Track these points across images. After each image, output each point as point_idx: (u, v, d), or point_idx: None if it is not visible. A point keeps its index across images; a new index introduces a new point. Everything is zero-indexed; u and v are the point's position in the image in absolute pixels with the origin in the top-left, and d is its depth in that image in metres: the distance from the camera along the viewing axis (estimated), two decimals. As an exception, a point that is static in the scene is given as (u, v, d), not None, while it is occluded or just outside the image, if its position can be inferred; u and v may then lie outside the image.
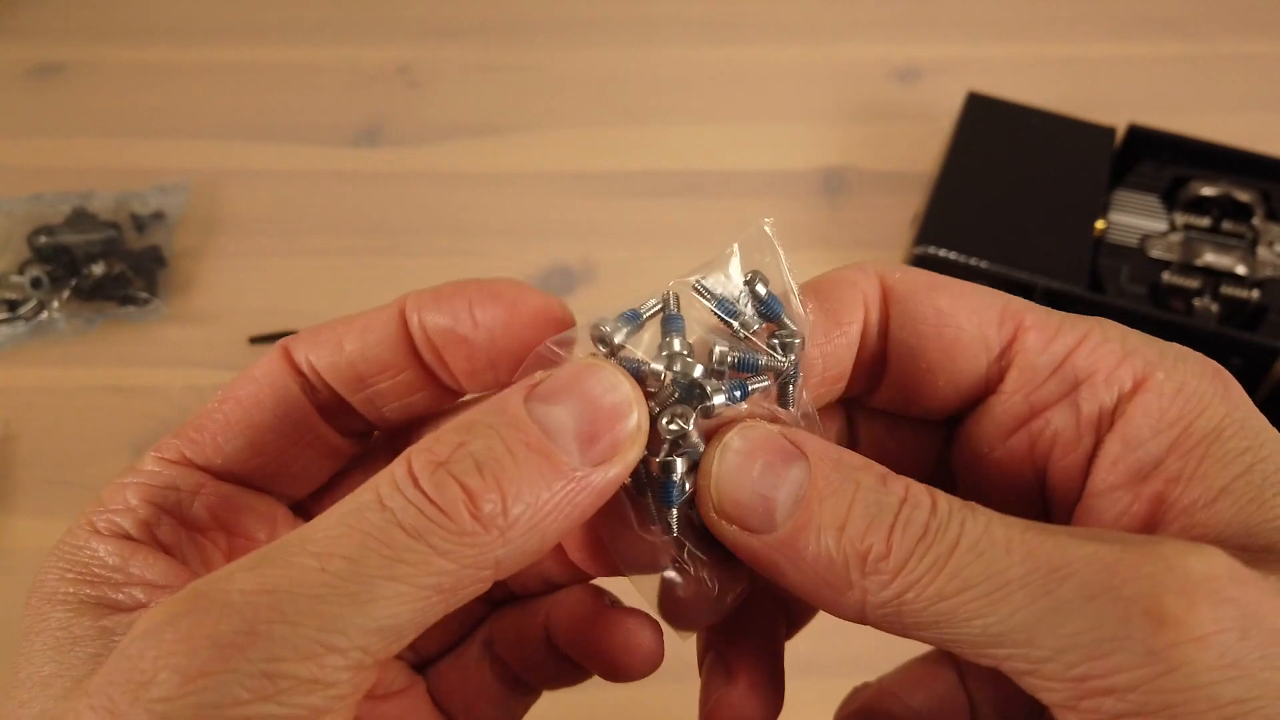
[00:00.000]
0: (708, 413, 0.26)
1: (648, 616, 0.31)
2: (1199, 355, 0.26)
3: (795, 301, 0.28)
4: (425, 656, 0.34)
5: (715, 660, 0.30)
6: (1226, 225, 0.69)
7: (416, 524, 0.22)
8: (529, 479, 0.23)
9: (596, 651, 0.31)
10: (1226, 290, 0.65)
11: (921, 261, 0.66)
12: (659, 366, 0.26)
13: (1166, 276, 0.66)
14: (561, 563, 0.32)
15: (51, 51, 0.89)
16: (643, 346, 0.27)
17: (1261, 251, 0.67)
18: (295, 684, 0.21)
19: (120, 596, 0.25)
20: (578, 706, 0.46)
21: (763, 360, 0.27)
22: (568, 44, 0.90)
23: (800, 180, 0.80)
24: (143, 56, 0.89)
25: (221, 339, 0.71)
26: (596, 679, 0.33)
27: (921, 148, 0.80)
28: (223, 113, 0.85)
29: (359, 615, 0.22)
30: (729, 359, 0.27)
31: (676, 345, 0.26)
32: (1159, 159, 0.72)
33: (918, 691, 0.33)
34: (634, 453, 0.25)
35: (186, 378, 0.69)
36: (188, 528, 0.28)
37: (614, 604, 0.32)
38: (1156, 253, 0.68)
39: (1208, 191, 0.70)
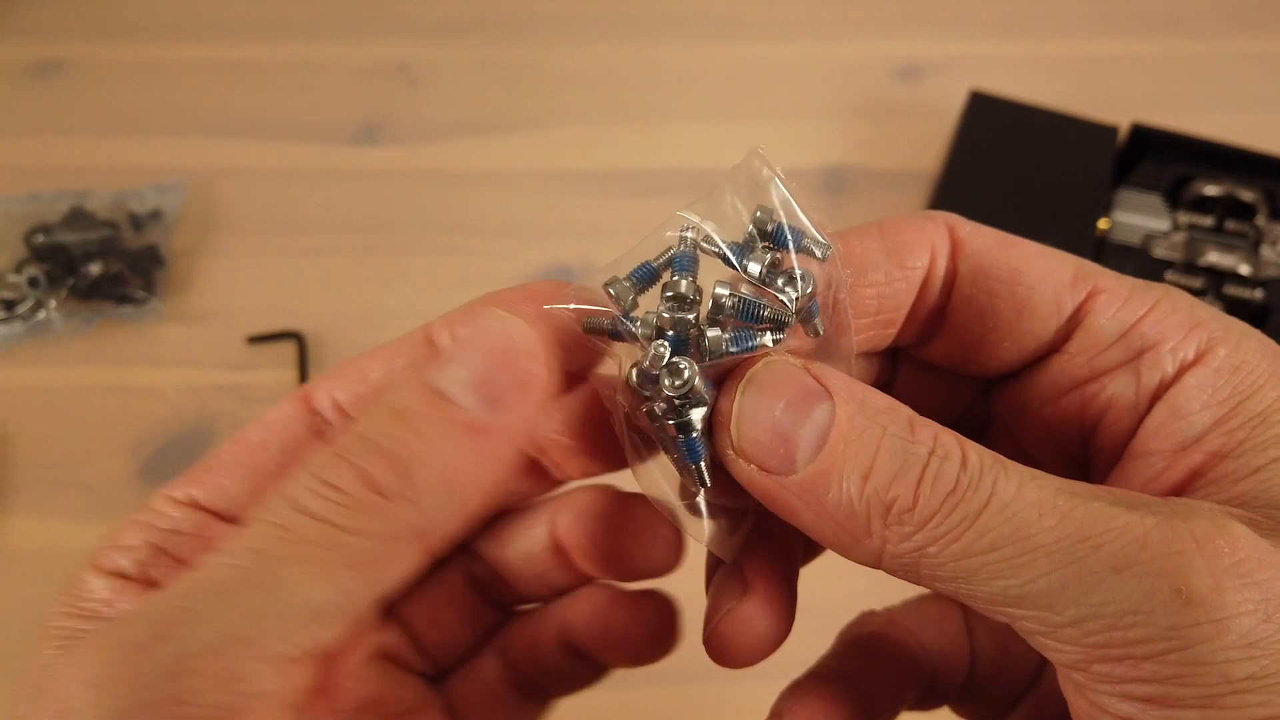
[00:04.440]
0: (713, 356, 0.25)
1: (663, 596, 0.30)
2: (1261, 335, 0.26)
3: (810, 226, 0.26)
4: (442, 668, 0.33)
5: (729, 573, 0.29)
6: (1230, 225, 0.68)
7: (318, 507, 0.22)
8: (429, 440, 0.23)
9: (617, 638, 0.30)
10: (1230, 290, 0.65)
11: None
12: (650, 324, 0.25)
13: (1170, 276, 0.66)
14: (568, 570, 0.32)
15: (48, 50, 0.88)
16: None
17: (1265, 251, 0.67)
18: (206, 682, 0.20)
19: None
20: (583, 710, 0.46)
21: (767, 310, 0.25)
22: (567, 42, 0.89)
23: (801, 179, 0.79)
24: (140, 54, 0.88)
25: (219, 338, 0.70)
26: (600, 686, 0.33)
27: (923, 146, 0.80)
28: (220, 111, 0.84)
29: (268, 602, 0.21)
30: (726, 303, 0.25)
31: (680, 288, 0.25)
32: (1162, 158, 0.72)
33: (927, 629, 0.33)
34: (539, 387, 0.24)
35: (184, 377, 0.69)
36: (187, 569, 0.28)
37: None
38: (1160, 252, 0.67)
39: (1211, 191, 0.69)
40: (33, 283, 0.70)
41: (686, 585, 0.32)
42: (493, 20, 0.91)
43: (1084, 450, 0.29)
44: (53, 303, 0.70)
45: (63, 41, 0.89)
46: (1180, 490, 0.25)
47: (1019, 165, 0.71)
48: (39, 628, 0.26)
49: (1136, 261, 0.67)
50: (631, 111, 0.84)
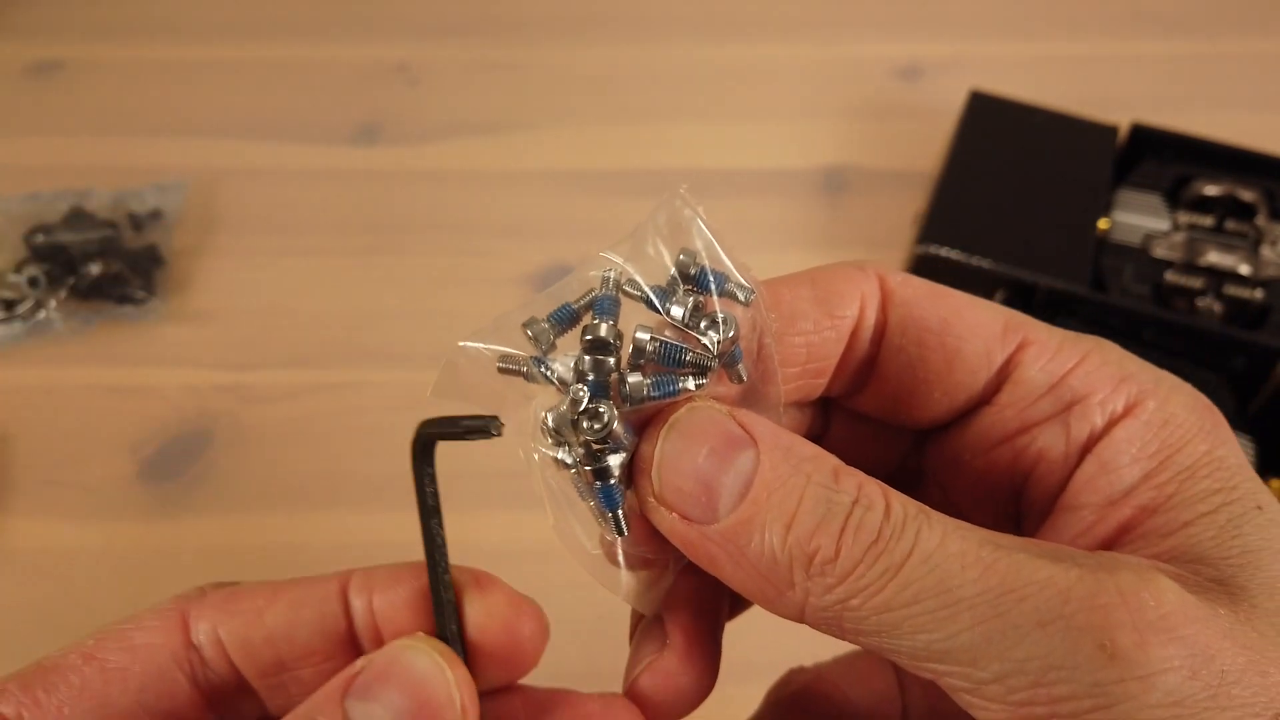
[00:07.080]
0: (634, 402, 0.24)
1: None
2: (1191, 388, 0.26)
3: (733, 269, 0.26)
4: None
5: (651, 626, 0.28)
6: (1230, 225, 0.68)
7: None
8: None
9: None
10: (1230, 290, 0.65)
11: (923, 260, 0.66)
12: (569, 367, 0.24)
13: (1169, 276, 0.66)
14: None
15: (49, 49, 0.88)
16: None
17: (1265, 251, 0.67)
18: None
19: None
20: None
21: (689, 355, 0.25)
22: (568, 42, 0.89)
23: (801, 179, 0.80)
24: (141, 54, 0.88)
25: (219, 338, 0.70)
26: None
27: (923, 146, 0.80)
28: (221, 111, 0.84)
29: None
30: (648, 348, 0.24)
31: (600, 332, 0.24)
32: (1162, 158, 0.72)
33: (856, 685, 0.32)
34: None
35: (184, 378, 0.69)
36: None
37: None
38: (1159, 252, 0.67)
39: (1211, 191, 0.69)
40: (33, 283, 0.70)
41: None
42: (493, 20, 0.91)
43: (1016, 503, 0.28)
44: (53, 303, 0.70)
45: (63, 41, 0.89)
46: (1110, 544, 0.25)
47: (1019, 165, 0.71)
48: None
49: (1136, 261, 0.67)
50: (631, 111, 0.84)
